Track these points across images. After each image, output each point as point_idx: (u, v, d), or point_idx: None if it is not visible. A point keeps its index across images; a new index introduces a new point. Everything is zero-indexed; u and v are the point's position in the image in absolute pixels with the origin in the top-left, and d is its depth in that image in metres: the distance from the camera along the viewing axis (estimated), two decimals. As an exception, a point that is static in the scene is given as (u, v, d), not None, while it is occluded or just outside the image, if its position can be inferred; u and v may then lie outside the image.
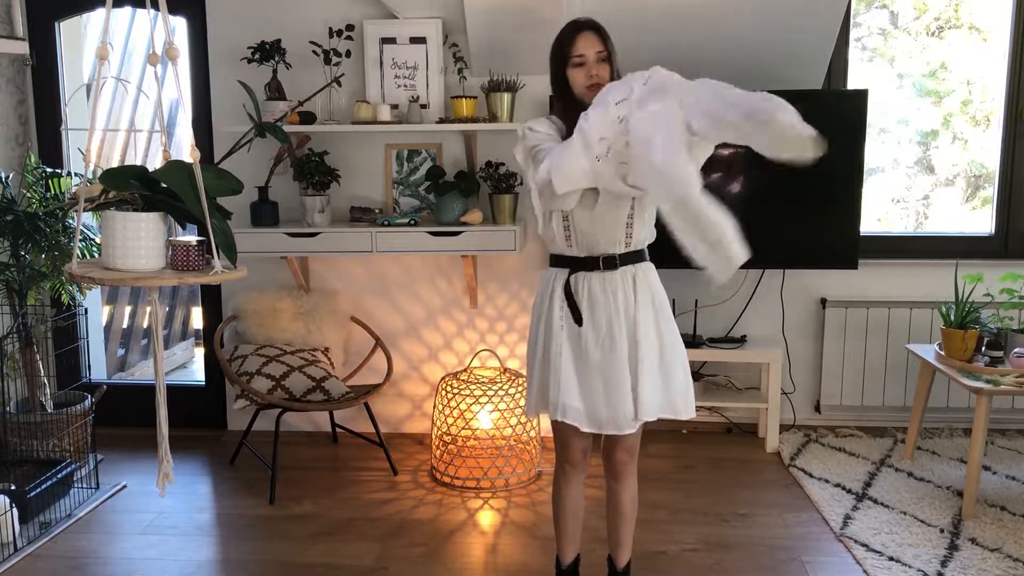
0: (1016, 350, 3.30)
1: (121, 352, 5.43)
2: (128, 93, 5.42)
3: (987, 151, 4.35)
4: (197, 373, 5.13)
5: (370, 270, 4.22)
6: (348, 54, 3.90)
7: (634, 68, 2.28)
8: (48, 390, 3.82)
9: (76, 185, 3.84)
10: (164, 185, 2.19)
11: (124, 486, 3.71)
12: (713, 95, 2.03)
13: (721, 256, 2.26)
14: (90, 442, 3.81)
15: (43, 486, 3.37)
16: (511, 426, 3.65)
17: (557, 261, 2.50)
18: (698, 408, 4.20)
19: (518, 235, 3.81)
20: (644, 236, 2.48)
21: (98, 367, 4.52)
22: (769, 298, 4.20)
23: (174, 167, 2.19)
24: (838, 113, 3.82)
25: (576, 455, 2.57)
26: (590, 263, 2.43)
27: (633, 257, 2.47)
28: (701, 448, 4.08)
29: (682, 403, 2.48)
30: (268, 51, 3.82)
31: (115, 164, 5.08)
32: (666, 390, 2.45)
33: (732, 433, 4.27)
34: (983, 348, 3.41)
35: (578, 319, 2.42)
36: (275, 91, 3.86)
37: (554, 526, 2.70)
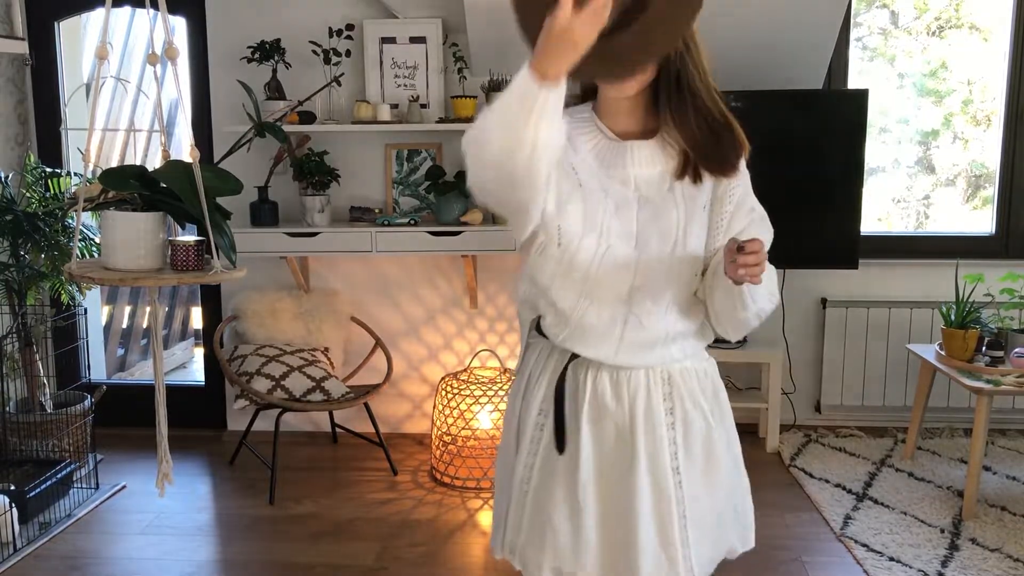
0: (1016, 350, 3.30)
1: (121, 352, 5.42)
2: (128, 93, 5.42)
3: (988, 151, 4.35)
4: (197, 373, 5.12)
5: (370, 270, 4.22)
6: (348, 54, 3.89)
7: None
8: (48, 390, 3.82)
9: (76, 185, 3.84)
10: (164, 185, 2.19)
11: (124, 486, 3.70)
12: None
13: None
14: (90, 442, 3.80)
15: (43, 486, 3.37)
16: (511, 426, 3.65)
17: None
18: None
19: (518, 235, 3.80)
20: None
21: (98, 367, 4.52)
22: (769, 298, 4.19)
23: (174, 167, 2.19)
24: (838, 113, 3.82)
25: None
26: None
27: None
28: (701, 448, 4.07)
29: (738, 539, 1.75)
30: (268, 51, 3.82)
31: (114, 164, 5.08)
32: (721, 535, 1.70)
33: (732, 433, 4.26)
34: (983, 348, 3.41)
35: (560, 444, 1.62)
36: (275, 91, 3.85)
37: None
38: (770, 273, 1.54)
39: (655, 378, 1.60)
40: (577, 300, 1.57)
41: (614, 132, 1.59)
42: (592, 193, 1.54)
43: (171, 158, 2.29)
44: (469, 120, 3.79)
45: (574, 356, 1.61)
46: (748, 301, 1.54)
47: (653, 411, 1.59)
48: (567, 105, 1.43)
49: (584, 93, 1.65)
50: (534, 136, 1.33)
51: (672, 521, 1.59)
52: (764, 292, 1.56)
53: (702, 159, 1.55)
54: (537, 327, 1.67)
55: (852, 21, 4.08)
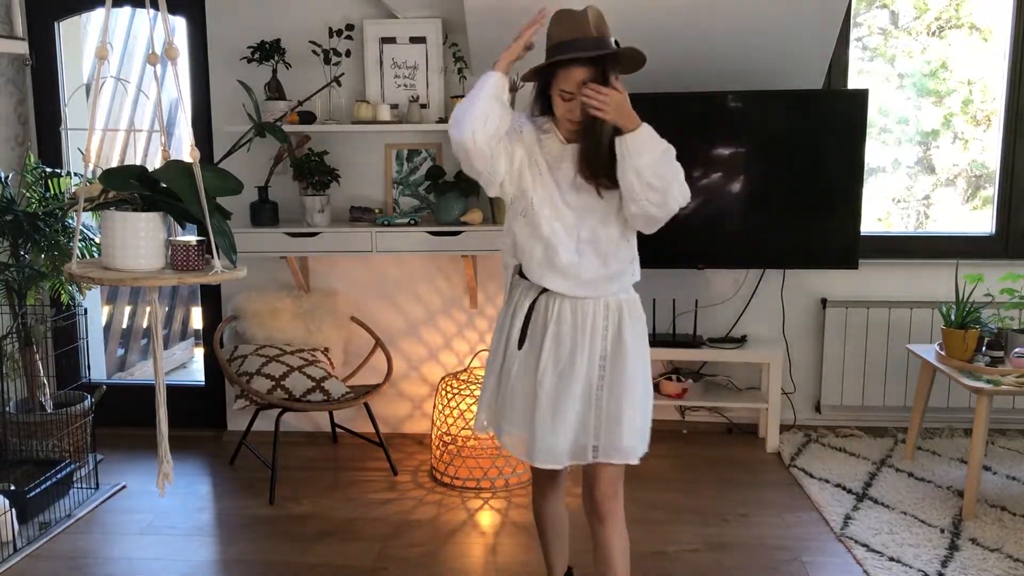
0: (1016, 350, 3.30)
1: (121, 352, 5.43)
2: (128, 93, 5.42)
3: (988, 151, 4.35)
4: (197, 373, 5.12)
5: (370, 270, 4.22)
6: (348, 54, 3.89)
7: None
8: (48, 390, 3.82)
9: (76, 185, 3.84)
10: (164, 185, 2.19)
11: (124, 486, 3.70)
12: None
13: None
14: (90, 442, 3.81)
15: (43, 486, 3.37)
16: (511, 426, 3.65)
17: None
18: (698, 408, 4.25)
19: (518, 235, 3.81)
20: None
21: (98, 367, 4.52)
22: (769, 298, 4.19)
23: (174, 167, 2.19)
24: (838, 113, 3.82)
25: (548, 473, 2.44)
26: None
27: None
28: (701, 448, 4.08)
29: (640, 446, 2.32)
30: (268, 51, 3.82)
31: (115, 164, 5.08)
32: (625, 431, 2.28)
33: (732, 433, 4.27)
34: (983, 348, 3.41)
35: (521, 342, 2.33)
36: (275, 91, 3.86)
37: (540, 544, 2.65)
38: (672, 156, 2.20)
39: (599, 306, 2.29)
40: (544, 251, 2.27)
41: (563, 137, 2.27)
42: (547, 178, 2.27)
43: (171, 158, 2.29)
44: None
45: (544, 290, 2.31)
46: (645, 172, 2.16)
47: (596, 327, 2.28)
48: (532, 114, 2.31)
49: (543, 109, 2.29)
50: (486, 94, 2.16)
51: (591, 402, 2.28)
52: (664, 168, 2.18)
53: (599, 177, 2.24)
54: (519, 272, 2.38)
55: (852, 21, 4.08)
